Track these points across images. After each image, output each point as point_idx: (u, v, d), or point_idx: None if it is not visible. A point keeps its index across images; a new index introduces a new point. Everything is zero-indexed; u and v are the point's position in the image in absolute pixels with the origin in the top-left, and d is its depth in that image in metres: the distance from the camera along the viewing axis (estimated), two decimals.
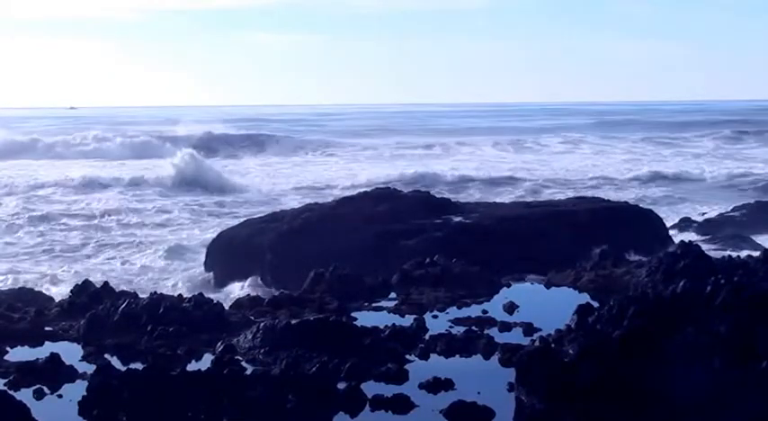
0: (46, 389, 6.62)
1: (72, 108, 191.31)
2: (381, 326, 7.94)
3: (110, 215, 27.76)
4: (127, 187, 35.06)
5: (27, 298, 10.34)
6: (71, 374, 6.91)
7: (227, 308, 9.08)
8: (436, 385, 6.59)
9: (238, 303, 9.50)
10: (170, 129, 64.85)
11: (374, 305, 9.32)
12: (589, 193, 28.01)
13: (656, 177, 37.40)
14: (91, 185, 35.39)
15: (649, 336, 6.03)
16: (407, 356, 7.38)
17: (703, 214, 26.37)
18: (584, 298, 9.23)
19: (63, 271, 19.56)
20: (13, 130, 62.81)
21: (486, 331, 8.04)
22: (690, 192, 33.14)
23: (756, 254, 9.73)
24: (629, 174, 38.25)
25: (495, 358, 7.30)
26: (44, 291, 11.76)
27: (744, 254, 10.71)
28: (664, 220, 19.60)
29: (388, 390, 6.47)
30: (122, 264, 20.77)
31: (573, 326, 6.63)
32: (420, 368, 7.06)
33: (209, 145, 55.60)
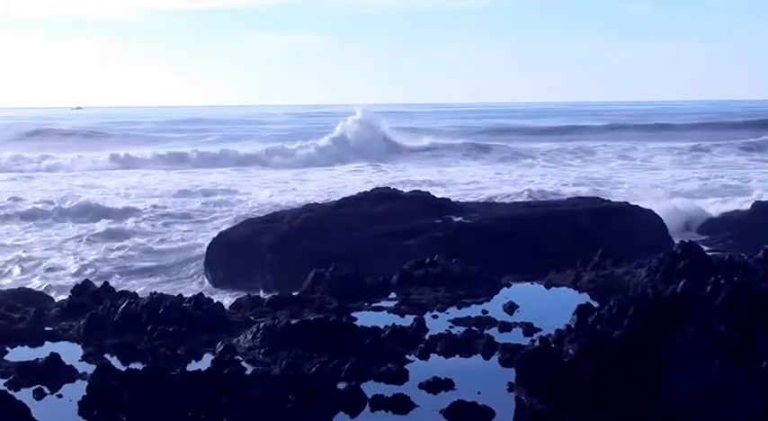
0: (46, 389, 6.62)
1: (78, 108, 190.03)
2: (381, 326, 7.94)
3: None
4: None
5: (27, 298, 10.34)
6: (71, 374, 6.91)
7: (227, 308, 9.08)
8: (436, 385, 6.59)
9: (238, 303, 9.49)
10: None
11: (374, 305, 9.31)
12: None
13: None
14: None
15: (649, 336, 6.03)
16: (407, 356, 7.38)
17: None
18: (585, 298, 9.23)
19: None
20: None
21: (486, 331, 8.04)
22: None
23: (756, 254, 9.73)
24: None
25: (495, 358, 7.30)
26: None
27: (744, 254, 10.69)
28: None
29: (388, 390, 6.47)
30: None
31: (573, 326, 6.64)
32: (420, 368, 7.06)
33: None
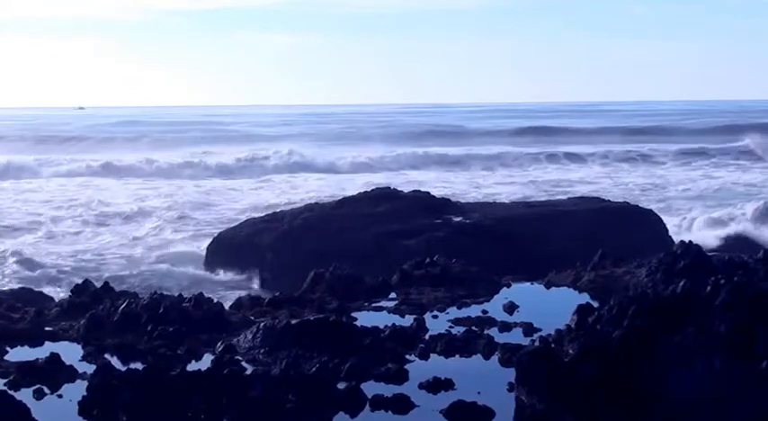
0: (46, 389, 6.62)
1: (80, 108, 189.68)
2: (381, 326, 7.94)
3: None
4: None
5: (27, 298, 10.34)
6: (71, 374, 6.91)
7: (227, 308, 9.08)
8: (436, 385, 6.59)
9: (238, 303, 9.49)
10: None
11: (374, 305, 9.31)
12: None
13: None
14: None
15: (649, 337, 6.03)
16: (407, 356, 7.38)
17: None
18: (585, 298, 9.23)
19: None
20: None
21: (486, 331, 8.04)
22: None
23: (756, 254, 9.73)
24: None
25: (495, 358, 7.30)
26: None
27: (744, 254, 10.69)
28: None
29: (388, 390, 6.47)
30: None
31: (573, 326, 6.64)
32: (420, 368, 7.06)
33: None
